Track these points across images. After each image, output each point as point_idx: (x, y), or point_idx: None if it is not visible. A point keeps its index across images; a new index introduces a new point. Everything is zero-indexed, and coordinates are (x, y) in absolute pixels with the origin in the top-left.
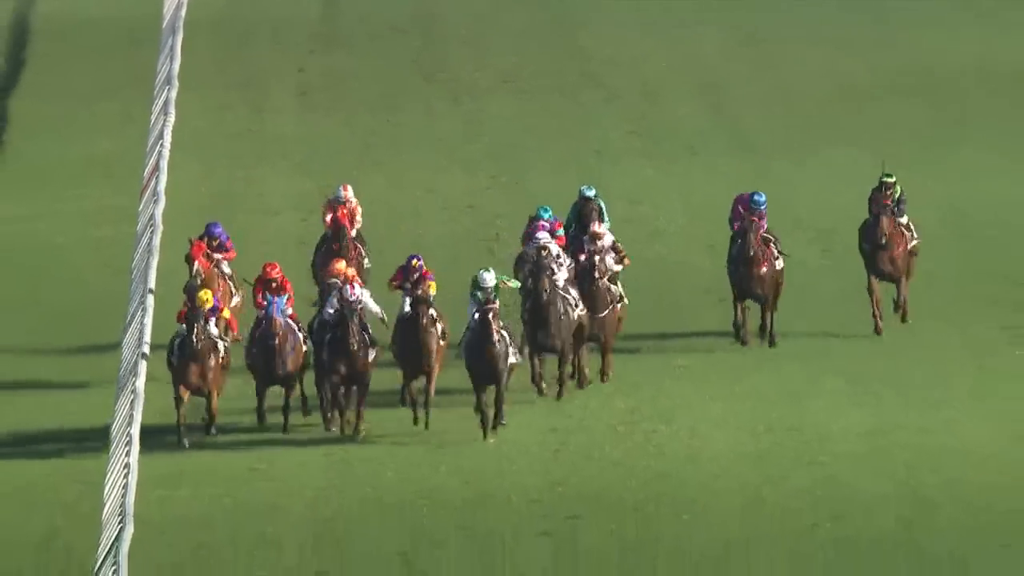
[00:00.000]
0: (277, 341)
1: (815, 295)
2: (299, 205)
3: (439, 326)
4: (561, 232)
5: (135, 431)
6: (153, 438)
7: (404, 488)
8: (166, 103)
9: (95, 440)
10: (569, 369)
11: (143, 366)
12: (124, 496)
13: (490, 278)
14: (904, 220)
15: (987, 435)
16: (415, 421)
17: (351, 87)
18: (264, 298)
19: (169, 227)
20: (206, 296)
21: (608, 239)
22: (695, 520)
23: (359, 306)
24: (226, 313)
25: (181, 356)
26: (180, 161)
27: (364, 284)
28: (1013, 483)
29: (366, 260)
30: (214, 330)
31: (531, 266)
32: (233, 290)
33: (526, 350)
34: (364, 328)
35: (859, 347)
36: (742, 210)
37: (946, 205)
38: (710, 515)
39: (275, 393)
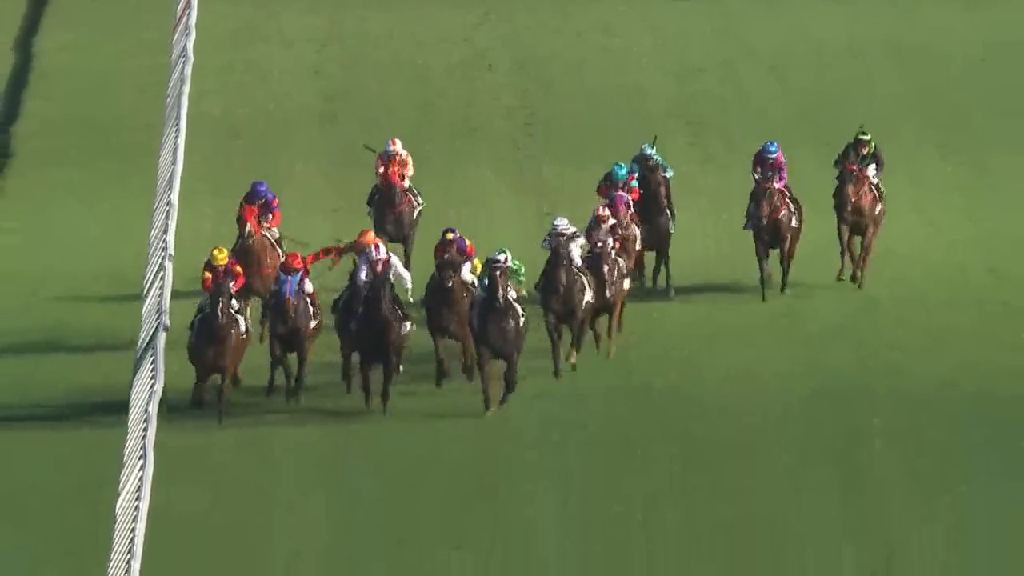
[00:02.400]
0: (290, 316)
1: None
2: (312, 37)
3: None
4: (635, 184)
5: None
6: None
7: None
8: None
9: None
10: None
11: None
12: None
13: (502, 256)
14: (875, 180)
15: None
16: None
17: None
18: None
19: (199, 57)
20: (222, 255)
21: (611, 222)
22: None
23: (391, 271)
24: (239, 268)
25: (203, 332)
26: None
27: (415, 228)
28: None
29: (417, 210)
30: (235, 304)
31: (551, 253)
32: (281, 255)
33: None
34: (397, 301)
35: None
36: (759, 168)
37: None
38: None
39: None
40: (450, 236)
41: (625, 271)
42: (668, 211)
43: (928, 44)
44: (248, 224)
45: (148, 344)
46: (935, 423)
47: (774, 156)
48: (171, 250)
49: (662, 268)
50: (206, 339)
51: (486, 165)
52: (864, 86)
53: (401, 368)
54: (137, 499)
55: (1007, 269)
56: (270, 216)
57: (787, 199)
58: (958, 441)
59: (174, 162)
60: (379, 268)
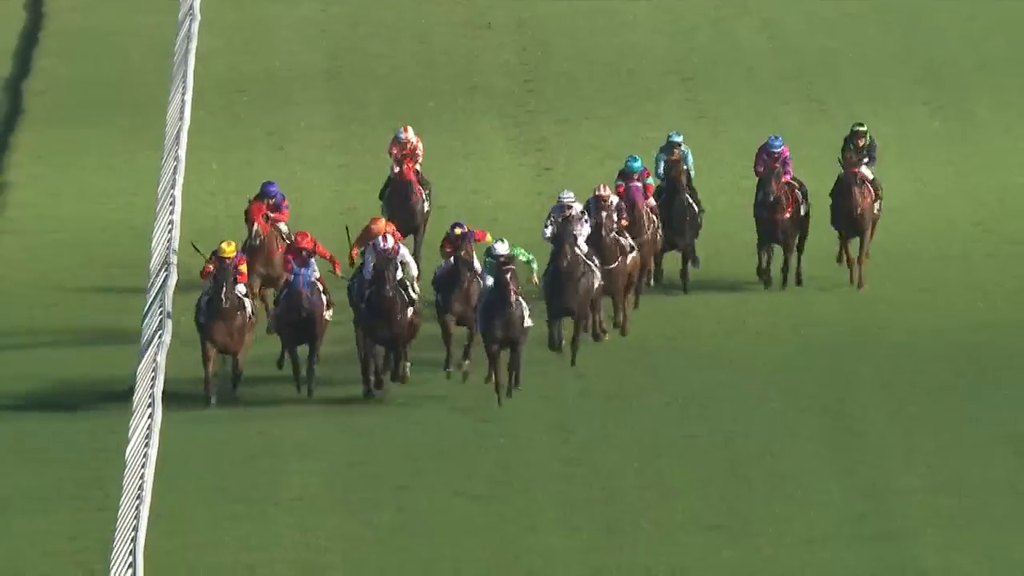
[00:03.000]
0: (303, 307)
1: None
2: None
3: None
4: (651, 180)
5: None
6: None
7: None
8: None
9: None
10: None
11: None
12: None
13: (503, 248)
14: (870, 176)
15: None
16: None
17: None
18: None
19: (206, 15)
20: (230, 248)
21: (614, 200)
22: None
23: (398, 258)
24: (244, 267)
25: (208, 315)
26: None
27: (426, 221)
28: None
29: (426, 204)
30: (242, 288)
31: (554, 229)
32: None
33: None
34: (403, 286)
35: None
36: (766, 157)
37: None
38: None
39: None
40: (458, 231)
41: (628, 248)
42: (693, 206)
43: (917, 2)
44: (256, 224)
45: (157, 294)
46: (922, 371)
47: (779, 150)
48: (178, 206)
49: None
50: (212, 319)
51: (486, 121)
52: (854, 44)
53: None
54: (146, 446)
55: (993, 222)
56: (280, 211)
57: (795, 192)
58: (944, 389)
59: (181, 118)
60: (387, 255)
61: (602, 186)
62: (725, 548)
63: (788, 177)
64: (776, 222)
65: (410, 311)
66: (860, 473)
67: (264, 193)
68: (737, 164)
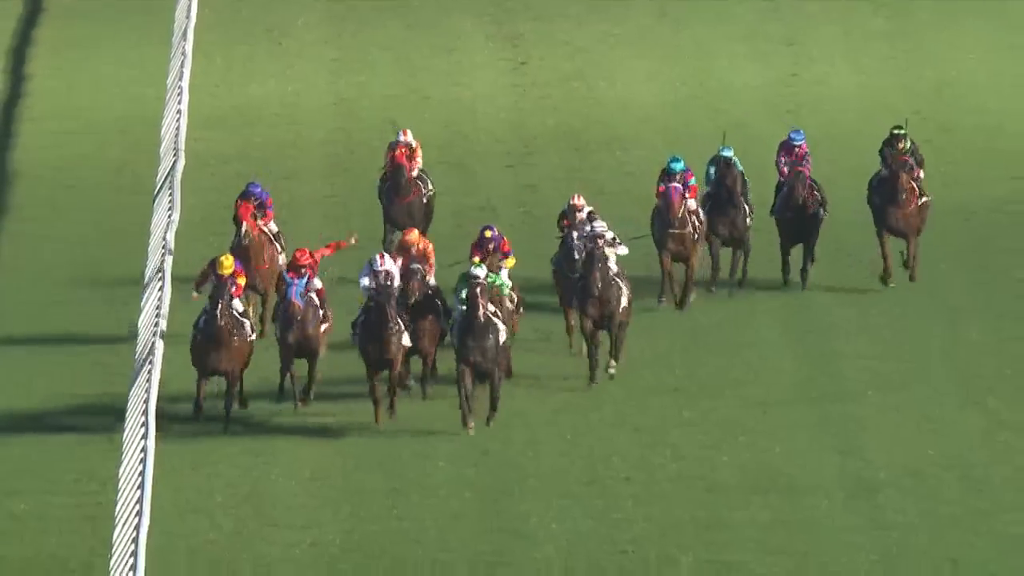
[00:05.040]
0: (298, 321)
1: None
2: None
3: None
4: (693, 182)
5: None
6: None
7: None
8: None
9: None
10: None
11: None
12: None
13: (480, 271)
14: (921, 175)
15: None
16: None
17: None
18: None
19: None
20: (228, 262)
21: (586, 209)
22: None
23: (395, 284)
24: (241, 280)
25: (205, 335)
26: None
27: (428, 216)
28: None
29: (426, 197)
30: (239, 306)
31: (586, 254)
32: (280, 248)
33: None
34: (401, 311)
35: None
36: (784, 156)
37: None
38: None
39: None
40: (488, 234)
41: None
42: (745, 206)
43: None
44: (244, 223)
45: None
46: (865, 249)
47: (799, 144)
48: (185, 96)
49: (740, 262)
50: (208, 340)
51: (467, 19)
52: None
53: (420, 384)
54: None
55: (929, 111)
56: (264, 214)
57: (814, 193)
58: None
59: (188, 16)
60: (383, 279)
61: (575, 196)
62: (685, 409)
63: (808, 176)
64: (804, 222)
65: (405, 337)
66: (809, 342)
67: (248, 193)
68: (696, 60)
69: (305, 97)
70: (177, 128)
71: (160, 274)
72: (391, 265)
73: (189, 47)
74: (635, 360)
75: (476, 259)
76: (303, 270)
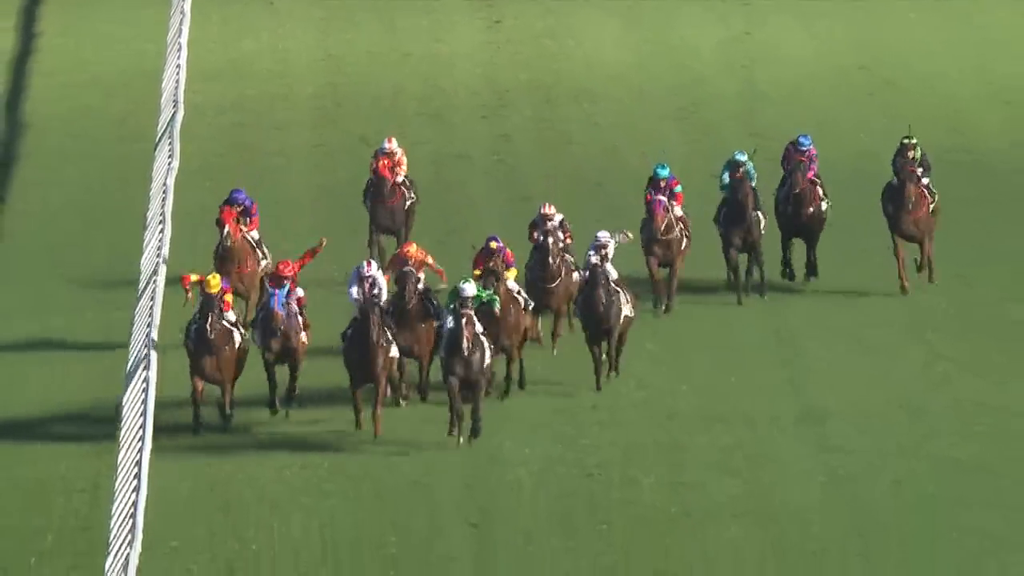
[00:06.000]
0: (281, 331)
1: None
2: None
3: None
4: (679, 189)
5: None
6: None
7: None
8: None
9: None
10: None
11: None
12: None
13: (470, 288)
14: (926, 181)
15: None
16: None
17: None
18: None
19: None
20: (215, 281)
21: (557, 218)
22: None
23: (380, 294)
24: (229, 297)
25: (196, 345)
26: None
27: (410, 221)
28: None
29: (408, 203)
30: (231, 317)
31: (589, 271)
32: (262, 255)
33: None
34: (387, 323)
35: None
36: (793, 153)
37: None
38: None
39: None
40: (494, 245)
41: (572, 267)
42: (758, 213)
43: None
44: (227, 227)
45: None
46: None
47: (807, 148)
48: (184, 52)
49: (754, 269)
50: (200, 350)
51: None
52: None
53: (403, 398)
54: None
55: (875, 66)
56: (249, 221)
57: (817, 189)
58: (840, 209)
59: None
60: (367, 287)
61: (546, 204)
62: (648, 342)
63: (812, 174)
64: (801, 216)
65: (393, 349)
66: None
67: (232, 200)
68: (658, 20)
69: (295, 53)
70: (176, 81)
71: (162, 217)
72: (377, 272)
73: (188, 6)
74: None
75: (476, 272)
76: (284, 281)
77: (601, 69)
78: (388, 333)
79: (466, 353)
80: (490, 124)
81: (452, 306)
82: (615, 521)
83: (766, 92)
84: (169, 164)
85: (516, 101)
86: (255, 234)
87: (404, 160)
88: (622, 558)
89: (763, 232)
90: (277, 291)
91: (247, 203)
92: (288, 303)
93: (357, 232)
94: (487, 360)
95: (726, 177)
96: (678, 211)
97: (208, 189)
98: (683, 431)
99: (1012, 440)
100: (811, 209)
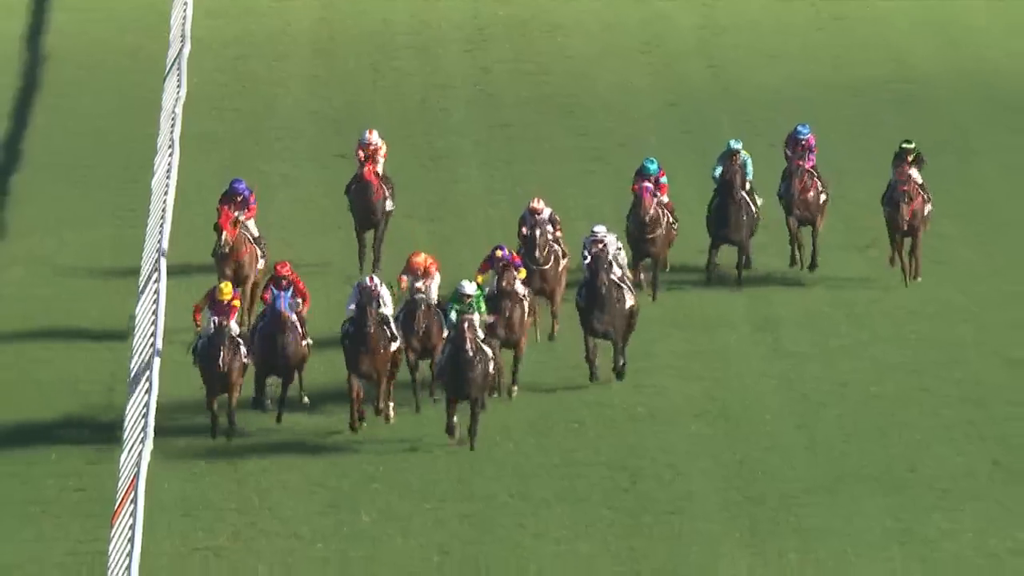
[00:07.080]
0: (282, 333)
1: None
2: None
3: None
4: (665, 180)
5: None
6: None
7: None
8: None
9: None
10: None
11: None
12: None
13: (471, 288)
14: (920, 180)
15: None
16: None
17: None
18: (271, 294)
19: None
20: (227, 289)
21: (547, 212)
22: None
23: (376, 295)
24: (237, 302)
25: (207, 358)
26: None
27: (387, 219)
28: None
29: (388, 202)
30: (235, 328)
31: (590, 260)
32: (260, 254)
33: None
34: (385, 321)
35: None
36: (791, 148)
37: None
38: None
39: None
40: (499, 253)
41: (562, 254)
42: (752, 207)
43: None
44: (224, 232)
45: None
46: (769, 121)
47: (806, 138)
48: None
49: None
50: (210, 363)
51: None
52: None
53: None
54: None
55: (823, 3)
56: (247, 209)
57: (816, 179)
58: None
59: None
60: (367, 296)
61: (535, 199)
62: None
63: (810, 164)
64: (803, 202)
65: (393, 346)
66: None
67: (232, 191)
68: None
69: (294, 19)
70: (184, 17)
71: (171, 141)
72: (381, 286)
73: None
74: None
75: (480, 277)
76: (283, 282)
77: (573, 5)
78: (388, 329)
79: (468, 355)
80: (472, 57)
81: (452, 308)
82: (587, 420)
83: (724, 27)
84: (177, 93)
85: (496, 36)
86: (253, 227)
87: (383, 148)
88: (592, 453)
89: (756, 223)
90: (281, 292)
91: (246, 193)
92: (295, 305)
93: (346, 157)
94: (490, 371)
95: (719, 165)
96: (664, 199)
97: (215, 117)
98: (647, 338)
99: (940, 345)
100: (808, 196)
